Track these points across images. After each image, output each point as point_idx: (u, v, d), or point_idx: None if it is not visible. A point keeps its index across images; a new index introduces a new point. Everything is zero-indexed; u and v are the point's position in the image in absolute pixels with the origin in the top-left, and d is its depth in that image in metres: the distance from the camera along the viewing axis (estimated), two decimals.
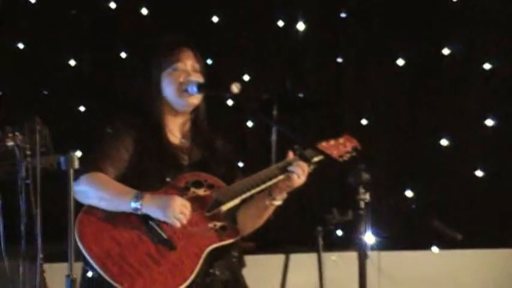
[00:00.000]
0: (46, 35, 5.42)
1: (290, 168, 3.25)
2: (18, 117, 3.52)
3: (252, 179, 3.28)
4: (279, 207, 3.33)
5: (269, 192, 3.29)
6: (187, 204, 3.17)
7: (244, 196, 3.27)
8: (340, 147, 3.37)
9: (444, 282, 4.68)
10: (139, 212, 3.15)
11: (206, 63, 3.47)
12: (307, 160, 3.27)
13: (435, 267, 4.77)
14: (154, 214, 3.15)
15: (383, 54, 5.89)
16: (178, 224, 3.15)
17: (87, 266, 3.14)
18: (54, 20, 5.46)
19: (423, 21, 5.81)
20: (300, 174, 3.24)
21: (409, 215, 5.30)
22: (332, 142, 3.37)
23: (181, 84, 3.33)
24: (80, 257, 3.16)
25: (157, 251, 3.15)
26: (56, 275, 3.58)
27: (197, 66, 3.39)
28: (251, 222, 3.36)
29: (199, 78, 3.35)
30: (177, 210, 3.14)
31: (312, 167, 3.30)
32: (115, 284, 3.06)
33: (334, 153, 3.33)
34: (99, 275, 3.09)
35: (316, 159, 3.29)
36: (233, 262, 3.32)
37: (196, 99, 3.35)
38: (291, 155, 3.28)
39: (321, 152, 3.26)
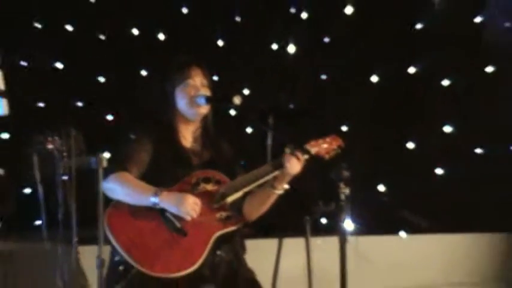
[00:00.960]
0: (80, 56, 5.41)
1: (284, 162, 3.23)
2: (57, 124, 3.50)
3: (251, 175, 3.28)
4: (279, 196, 3.32)
5: (271, 184, 3.28)
6: (198, 202, 3.16)
7: (245, 189, 3.27)
8: (327, 145, 3.36)
9: (410, 262, 4.66)
10: (157, 207, 3.13)
11: (212, 79, 3.45)
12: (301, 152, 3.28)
13: (403, 249, 4.74)
14: (170, 209, 3.14)
15: (359, 72, 5.88)
16: (189, 218, 3.14)
17: (115, 251, 3.12)
18: (87, 44, 5.44)
19: (393, 44, 5.80)
20: (293, 165, 3.23)
21: (382, 206, 5.28)
22: (320, 140, 3.37)
23: (192, 97, 3.32)
24: (108, 241, 3.15)
25: (172, 238, 3.13)
26: (88, 256, 3.56)
27: (205, 81, 3.38)
28: (256, 209, 3.34)
29: (207, 92, 3.36)
30: (189, 207, 3.13)
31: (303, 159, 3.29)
32: (137, 266, 3.05)
33: (322, 151, 3.32)
34: (125, 258, 3.07)
35: (306, 156, 3.29)
36: (236, 246, 3.31)
37: (204, 109, 3.35)
38: (286, 151, 3.28)
39: (307, 152, 3.26)
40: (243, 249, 3.35)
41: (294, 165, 3.23)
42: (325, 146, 3.35)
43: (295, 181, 3.33)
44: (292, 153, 3.25)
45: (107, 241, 3.14)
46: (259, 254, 3.68)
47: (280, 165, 3.25)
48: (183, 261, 3.08)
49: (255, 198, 3.32)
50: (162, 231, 3.13)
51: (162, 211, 3.15)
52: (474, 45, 5.88)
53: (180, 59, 3.44)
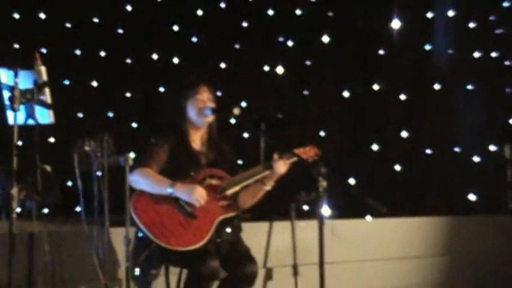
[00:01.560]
0: (111, 76, 5.40)
1: (274, 165, 3.25)
2: (92, 131, 3.50)
3: (247, 173, 3.30)
4: (267, 191, 3.33)
5: (262, 181, 3.29)
6: (204, 192, 3.16)
7: (243, 184, 3.27)
8: (307, 153, 3.37)
9: (374, 240, 4.65)
10: (173, 195, 3.14)
11: (216, 94, 3.45)
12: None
13: (369, 230, 4.74)
14: (183, 197, 3.14)
15: (334, 88, 5.88)
16: (198, 205, 3.14)
17: (138, 229, 3.12)
18: (117, 67, 5.44)
19: (360, 66, 5.81)
20: (280, 167, 3.24)
21: (352, 195, 5.28)
22: (302, 149, 3.37)
23: (201, 109, 3.32)
24: (133, 224, 3.15)
25: (184, 220, 3.14)
26: (118, 236, 3.56)
27: (211, 96, 3.38)
28: (249, 200, 3.35)
29: (212, 104, 3.35)
30: (198, 195, 3.13)
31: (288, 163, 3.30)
32: (156, 240, 3.06)
33: (304, 157, 3.33)
34: (146, 235, 3.07)
35: (291, 160, 3.30)
36: (236, 228, 3.32)
37: (210, 118, 3.35)
38: (275, 156, 3.29)
39: (296, 155, 3.27)
40: (240, 230, 3.36)
41: (281, 167, 3.25)
42: (305, 154, 3.35)
43: (283, 176, 3.34)
44: (280, 157, 3.27)
45: (133, 223, 3.13)
46: (254, 234, 3.69)
47: (270, 167, 3.27)
48: (193, 238, 3.08)
49: (248, 192, 3.33)
50: (177, 215, 3.14)
51: (177, 199, 3.16)
52: (425, 67, 5.89)
53: (191, 79, 3.45)
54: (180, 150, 3.28)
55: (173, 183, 3.14)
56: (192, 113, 3.34)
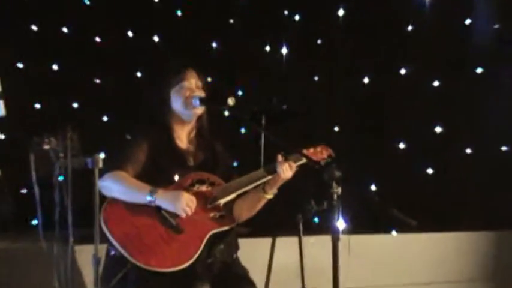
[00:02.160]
0: (76, 58, 5.41)
1: (277, 168, 3.26)
2: (53, 126, 3.50)
3: (245, 178, 3.30)
4: (268, 201, 3.34)
5: (263, 188, 3.30)
6: (194, 199, 3.17)
7: (238, 192, 3.28)
8: (318, 154, 3.37)
9: (400, 260, 4.67)
10: (153, 204, 3.14)
11: (207, 81, 3.47)
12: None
13: (393, 248, 4.75)
14: (166, 206, 3.15)
15: (351, 73, 5.89)
16: (184, 215, 3.15)
17: (111, 246, 3.13)
18: (83, 46, 5.44)
19: (384, 46, 5.81)
20: (285, 171, 3.25)
21: (373, 205, 5.29)
22: (311, 150, 3.39)
23: (187, 99, 3.33)
24: (103, 239, 3.15)
25: (167, 234, 3.14)
26: (84, 255, 3.56)
27: (199, 83, 3.40)
28: (246, 212, 3.36)
29: (201, 93, 3.36)
30: (184, 204, 3.14)
31: (294, 166, 3.31)
32: (132, 260, 3.06)
33: (315, 159, 3.33)
34: (120, 253, 3.08)
35: (299, 162, 3.30)
36: (230, 245, 3.32)
37: (199, 110, 3.36)
38: (279, 157, 3.29)
39: (305, 157, 3.27)
40: (236, 247, 3.37)
41: (286, 171, 3.26)
42: (316, 155, 3.36)
43: (288, 182, 3.34)
44: (285, 159, 3.27)
45: (103, 238, 3.14)
46: (252, 252, 3.69)
47: (273, 170, 3.28)
48: (178, 257, 3.09)
49: (246, 202, 3.34)
50: (158, 228, 3.15)
51: (158, 209, 3.16)
52: (464, 47, 5.90)
53: (175, 62, 3.46)
54: (162, 149, 3.29)
55: (154, 189, 3.15)
56: (176, 103, 3.35)
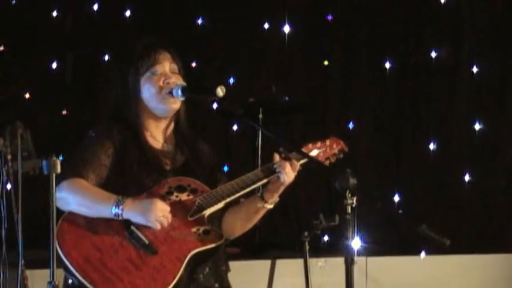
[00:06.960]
0: (27, 38, 5.41)
1: (277, 169, 3.25)
2: (0, 120, 3.51)
3: (235, 182, 3.28)
4: (267, 211, 3.33)
5: (261, 196, 3.29)
6: (167, 208, 3.17)
7: (227, 200, 3.26)
8: (326, 150, 3.36)
9: (427, 286, 4.69)
10: (120, 218, 3.14)
11: (190, 66, 3.46)
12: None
13: (423, 273, 4.77)
14: (136, 219, 3.14)
15: (370, 56, 5.90)
16: (159, 227, 3.14)
17: (68, 273, 3.13)
18: (36, 23, 5.44)
19: (411, 23, 5.83)
20: (288, 172, 3.24)
21: (397, 220, 5.31)
22: (318, 144, 3.37)
23: (161, 89, 3.29)
24: (61, 264, 3.16)
25: (138, 256, 3.14)
26: (38, 281, 3.57)
27: (175, 67, 3.33)
28: (240, 225, 3.36)
29: (178, 79, 3.32)
30: (159, 213, 3.13)
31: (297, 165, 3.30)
32: None
33: (321, 156, 3.33)
34: (80, 281, 3.08)
35: (302, 161, 3.29)
36: (218, 267, 3.32)
37: (177, 103, 3.31)
38: (276, 157, 3.28)
39: (306, 156, 3.26)
40: (226, 270, 3.37)
41: (288, 173, 3.24)
42: (324, 150, 3.35)
43: (291, 189, 3.34)
44: (286, 158, 3.25)
45: (60, 262, 3.15)
46: (247, 277, 3.71)
47: (271, 171, 3.27)
48: (151, 284, 3.08)
49: (240, 213, 3.33)
50: (127, 249, 3.14)
51: (127, 224, 3.16)
52: (508, 24, 5.90)
53: (143, 42, 3.39)
54: (131, 150, 3.28)
55: (120, 199, 3.15)
56: (148, 95, 3.31)
